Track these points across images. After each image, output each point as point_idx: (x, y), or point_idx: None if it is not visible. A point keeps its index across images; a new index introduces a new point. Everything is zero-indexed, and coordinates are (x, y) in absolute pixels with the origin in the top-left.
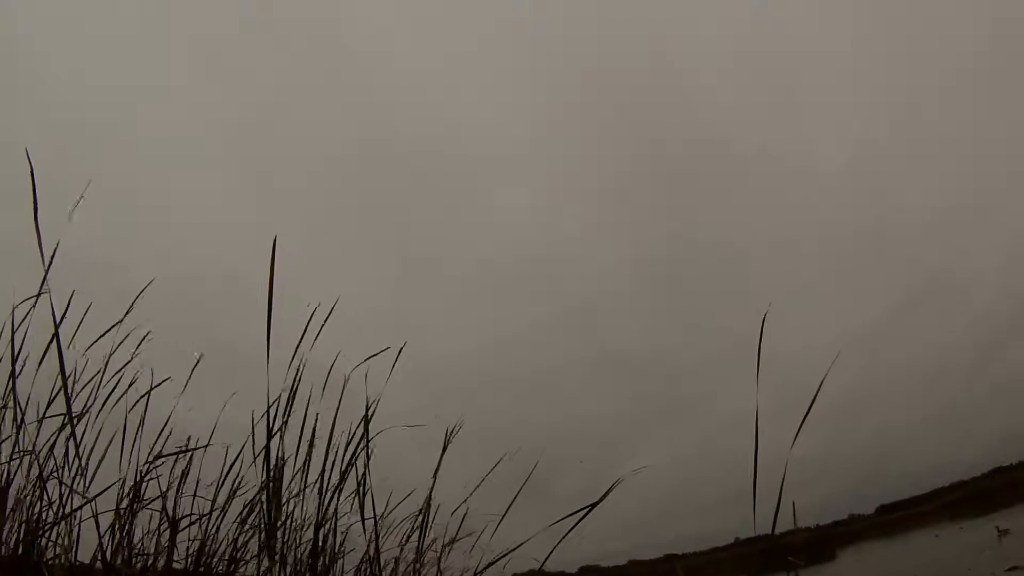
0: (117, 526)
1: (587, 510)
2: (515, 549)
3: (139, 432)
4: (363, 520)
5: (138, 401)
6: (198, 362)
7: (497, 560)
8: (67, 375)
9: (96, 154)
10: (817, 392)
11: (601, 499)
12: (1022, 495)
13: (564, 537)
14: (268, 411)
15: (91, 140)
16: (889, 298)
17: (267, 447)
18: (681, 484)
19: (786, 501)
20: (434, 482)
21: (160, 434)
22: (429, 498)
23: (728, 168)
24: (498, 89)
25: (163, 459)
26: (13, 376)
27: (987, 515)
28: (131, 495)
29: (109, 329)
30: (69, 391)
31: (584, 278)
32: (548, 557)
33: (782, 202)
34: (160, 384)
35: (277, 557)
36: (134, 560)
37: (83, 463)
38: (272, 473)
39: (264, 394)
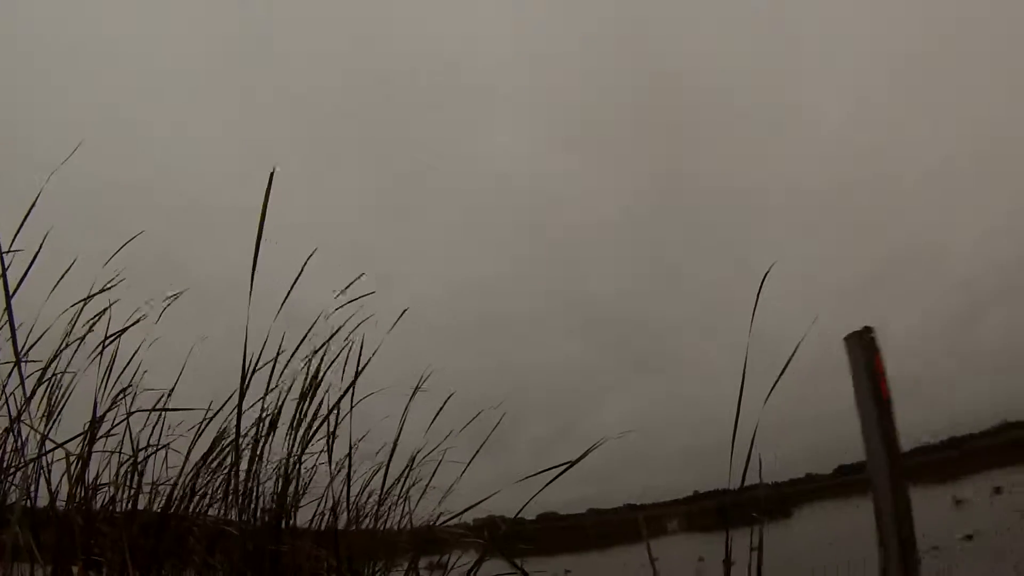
0: (77, 464)
1: (565, 467)
2: (482, 501)
3: (108, 376)
4: (330, 463)
5: (111, 342)
6: (171, 301)
7: (465, 511)
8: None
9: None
10: (792, 355)
11: (579, 459)
12: (980, 466)
13: (538, 493)
14: (245, 349)
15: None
16: (872, 260)
17: (241, 385)
18: (644, 435)
19: (747, 457)
20: (400, 427)
21: (130, 375)
22: (396, 442)
23: (725, 119)
24: (501, 26)
25: (125, 397)
26: None
27: (944, 483)
28: (90, 434)
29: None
30: (15, 332)
31: (568, 223)
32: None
33: (776, 158)
34: (132, 324)
35: (241, 496)
36: (93, 499)
37: (54, 408)
38: (241, 410)
39: (241, 332)
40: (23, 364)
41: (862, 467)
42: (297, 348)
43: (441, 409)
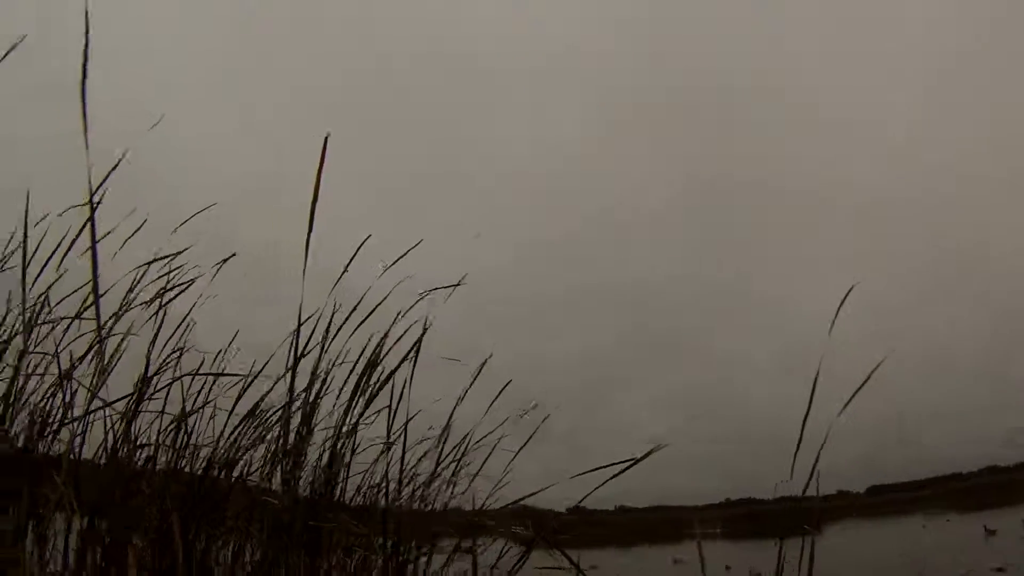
0: (122, 423)
1: (627, 465)
2: (537, 493)
3: (158, 336)
4: (388, 436)
5: (167, 303)
6: (220, 265)
7: (519, 500)
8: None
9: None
10: (869, 376)
11: (642, 458)
12: (1014, 498)
13: (595, 489)
14: (299, 320)
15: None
16: (919, 277)
17: (295, 351)
18: (681, 435)
19: (784, 467)
20: (455, 408)
21: (181, 338)
22: (448, 424)
23: (772, 116)
24: (545, 8)
25: (175, 358)
26: (24, 279)
27: (976, 512)
28: (138, 393)
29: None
30: (98, 296)
31: (600, 205)
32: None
33: (821, 160)
34: (187, 285)
35: (285, 465)
36: (136, 456)
37: (106, 367)
38: (294, 381)
39: (294, 306)
40: (79, 321)
41: (894, 488)
42: (347, 318)
43: (498, 396)
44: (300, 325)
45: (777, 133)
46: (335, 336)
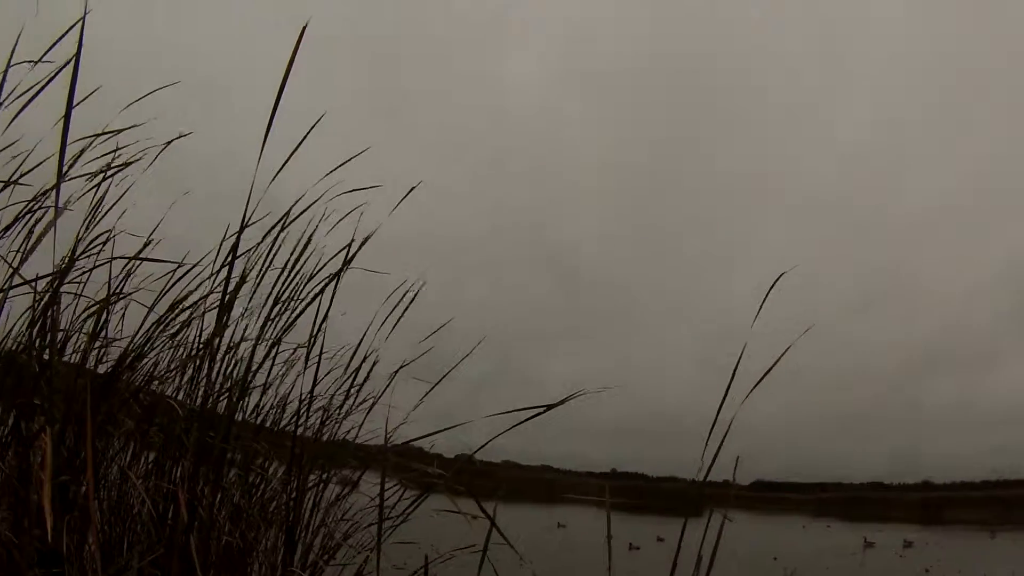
0: (39, 305)
1: (542, 409)
2: (443, 431)
3: (92, 217)
4: (307, 360)
5: (103, 180)
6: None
7: (419, 438)
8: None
9: None
10: (778, 359)
11: (556, 405)
12: (895, 515)
13: (503, 433)
14: (243, 222)
15: None
16: (845, 286)
17: (233, 250)
18: (581, 399)
19: (684, 450)
20: (374, 336)
21: (114, 220)
22: (356, 350)
23: (749, 109)
24: None
25: (102, 241)
26: None
27: (858, 523)
28: (60, 275)
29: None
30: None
31: (561, 164)
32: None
33: (789, 158)
34: (126, 165)
35: (194, 371)
36: (48, 343)
37: (33, 241)
38: (226, 285)
39: (230, 203)
40: (13, 188)
41: (779, 486)
42: (282, 224)
43: (400, 317)
44: (244, 225)
45: (730, 116)
46: (271, 244)
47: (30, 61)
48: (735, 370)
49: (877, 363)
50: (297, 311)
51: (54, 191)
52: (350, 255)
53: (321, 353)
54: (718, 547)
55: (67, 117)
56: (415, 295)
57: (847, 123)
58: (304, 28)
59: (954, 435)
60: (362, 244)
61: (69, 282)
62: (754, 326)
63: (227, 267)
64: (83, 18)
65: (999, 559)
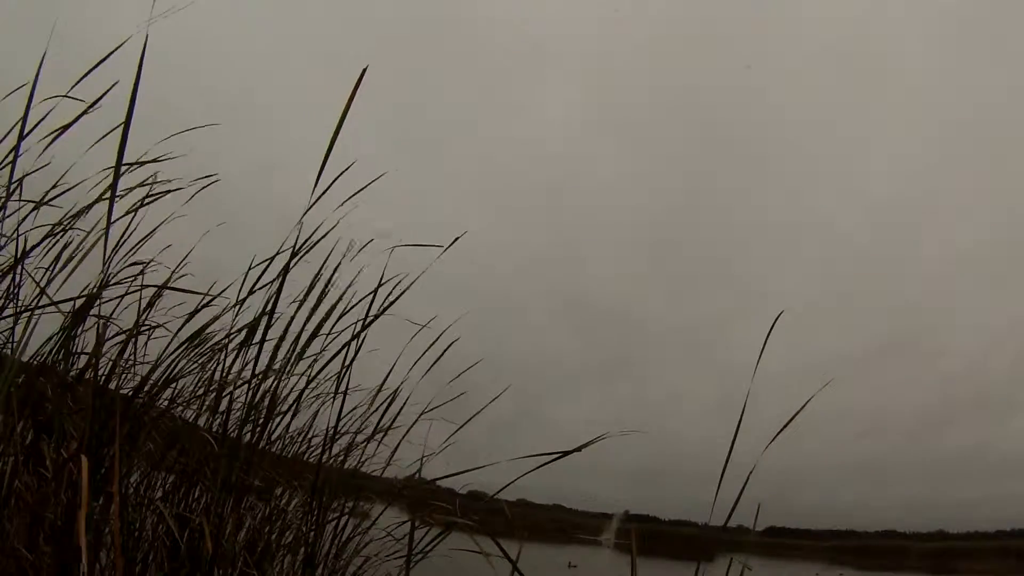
0: (67, 327)
1: (565, 454)
2: (467, 472)
3: (121, 243)
4: (335, 391)
5: (136, 209)
6: (201, 185)
7: (443, 477)
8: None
9: None
10: (798, 412)
11: (579, 449)
12: (907, 564)
13: (523, 476)
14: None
15: None
16: (874, 335)
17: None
18: (596, 447)
19: (699, 493)
20: (405, 375)
21: (145, 250)
22: (383, 383)
23: (777, 153)
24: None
25: (134, 270)
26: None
27: (869, 571)
28: (87, 299)
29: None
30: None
31: (583, 204)
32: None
33: (814, 204)
34: (161, 195)
35: (216, 399)
36: (73, 365)
37: (63, 263)
38: (268, 318)
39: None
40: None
41: (792, 532)
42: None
43: (438, 360)
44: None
45: (758, 162)
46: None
47: (70, 96)
48: (741, 416)
49: (896, 410)
50: (330, 353)
51: (102, 216)
52: (387, 303)
53: (347, 389)
54: None
55: (121, 151)
56: (449, 345)
57: (876, 173)
58: (363, 74)
59: (969, 484)
60: (401, 293)
61: (100, 304)
62: (775, 370)
63: (267, 303)
64: (142, 55)
65: None
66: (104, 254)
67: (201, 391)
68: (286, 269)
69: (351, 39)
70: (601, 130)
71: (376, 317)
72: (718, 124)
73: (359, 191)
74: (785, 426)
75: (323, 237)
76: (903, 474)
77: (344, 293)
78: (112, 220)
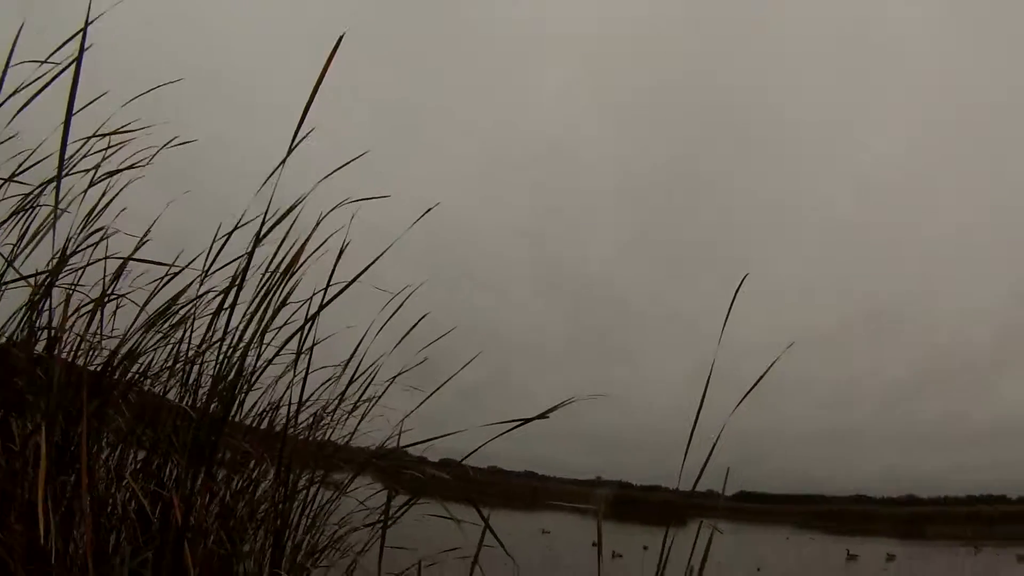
0: (32, 302)
1: (533, 419)
2: (440, 437)
3: (90, 215)
4: (297, 361)
5: (101, 181)
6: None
7: (417, 443)
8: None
9: None
10: (763, 375)
11: (546, 413)
12: (878, 529)
13: (492, 439)
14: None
15: None
16: (856, 304)
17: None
18: (568, 408)
19: (671, 460)
20: (361, 338)
21: (110, 218)
22: (355, 351)
23: (768, 131)
24: None
25: (97, 239)
26: None
27: (841, 536)
28: (53, 271)
29: None
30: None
31: (574, 183)
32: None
33: (805, 178)
34: (128, 168)
35: (185, 372)
36: (39, 338)
37: (29, 237)
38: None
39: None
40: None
41: (762, 497)
42: (270, 222)
43: (411, 330)
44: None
45: (749, 138)
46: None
47: (36, 61)
48: (707, 381)
49: (873, 380)
50: (296, 323)
51: (53, 189)
52: (360, 273)
53: (310, 355)
54: (707, 559)
55: (68, 119)
56: (422, 316)
57: (867, 153)
58: (339, 42)
59: (941, 452)
60: (372, 263)
61: (64, 276)
62: (754, 339)
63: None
64: (87, 22)
65: (980, 574)
66: (67, 231)
67: (170, 363)
68: (257, 237)
69: (330, 8)
70: (592, 108)
71: (346, 286)
72: (710, 104)
73: (340, 167)
74: (750, 391)
75: (294, 206)
76: (877, 442)
77: (314, 262)
78: (83, 192)
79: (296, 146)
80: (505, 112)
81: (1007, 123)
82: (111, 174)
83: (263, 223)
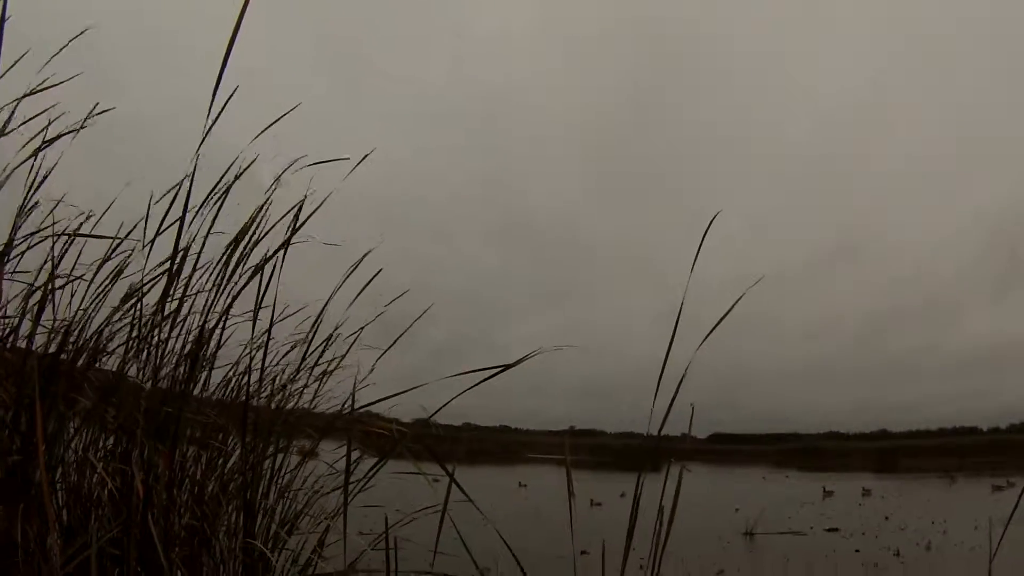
0: None
1: (500, 370)
2: (400, 394)
3: (31, 189)
4: (253, 327)
5: (40, 150)
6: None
7: (376, 402)
8: None
9: None
10: (727, 312)
11: (514, 364)
12: (852, 464)
13: (459, 395)
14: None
15: None
16: (822, 242)
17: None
18: (538, 359)
19: (643, 406)
20: (326, 304)
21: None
22: (319, 317)
23: (725, 65)
24: None
25: (40, 215)
26: None
27: (816, 473)
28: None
29: None
30: None
31: (529, 131)
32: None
33: (763, 111)
34: (66, 133)
35: (146, 348)
36: None
37: None
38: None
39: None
40: None
41: (736, 438)
42: (221, 190)
43: (367, 286)
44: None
45: (705, 74)
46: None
47: None
48: (676, 323)
49: (844, 315)
50: (244, 281)
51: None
52: (299, 224)
53: (272, 315)
54: (678, 498)
55: None
56: (377, 272)
57: (824, 82)
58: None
59: (913, 385)
60: (312, 213)
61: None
62: (721, 278)
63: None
64: None
65: (956, 505)
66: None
67: (125, 339)
68: (187, 199)
69: None
70: (544, 47)
71: (287, 240)
72: (666, 38)
73: (276, 121)
74: (715, 326)
75: (232, 165)
76: (849, 377)
77: (259, 221)
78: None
79: (212, 101)
80: (450, 57)
81: (968, 53)
82: (51, 140)
83: (191, 183)
